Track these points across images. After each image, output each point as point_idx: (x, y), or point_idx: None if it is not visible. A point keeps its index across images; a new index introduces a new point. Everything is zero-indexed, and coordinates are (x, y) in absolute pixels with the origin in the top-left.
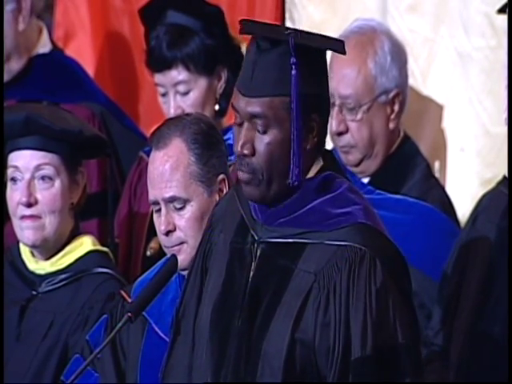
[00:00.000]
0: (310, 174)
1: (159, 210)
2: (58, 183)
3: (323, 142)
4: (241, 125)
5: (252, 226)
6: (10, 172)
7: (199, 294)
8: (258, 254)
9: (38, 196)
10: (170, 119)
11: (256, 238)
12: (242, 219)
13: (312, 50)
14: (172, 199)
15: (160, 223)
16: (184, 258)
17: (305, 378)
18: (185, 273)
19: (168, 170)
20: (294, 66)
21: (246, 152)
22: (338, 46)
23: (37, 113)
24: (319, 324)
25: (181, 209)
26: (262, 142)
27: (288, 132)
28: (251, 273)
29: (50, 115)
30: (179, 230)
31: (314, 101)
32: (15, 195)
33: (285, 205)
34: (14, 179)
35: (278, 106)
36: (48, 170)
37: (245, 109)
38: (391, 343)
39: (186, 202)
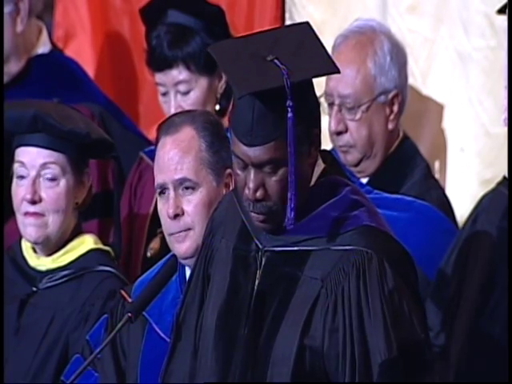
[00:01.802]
0: (314, 179)
1: (164, 194)
2: (63, 183)
3: (320, 146)
4: (244, 168)
5: (256, 234)
6: (16, 167)
7: (201, 300)
8: (263, 262)
9: (43, 194)
10: (178, 112)
11: (260, 246)
12: (244, 225)
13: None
14: (182, 180)
15: (168, 206)
16: (190, 245)
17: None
18: (187, 261)
19: (179, 153)
20: (290, 109)
21: (259, 197)
22: (332, 68)
23: (45, 111)
24: (327, 330)
25: (190, 193)
26: (273, 182)
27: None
28: (257, 281)
29: (59, 114)
30: (187, 214)
31: (311, 118)
32: (20, 191)
33: None
34: (19, 175)
35: (284, 145)
36: (54, 170)
37: (251, 158)
38: (413, 341)
39: (195, 185)
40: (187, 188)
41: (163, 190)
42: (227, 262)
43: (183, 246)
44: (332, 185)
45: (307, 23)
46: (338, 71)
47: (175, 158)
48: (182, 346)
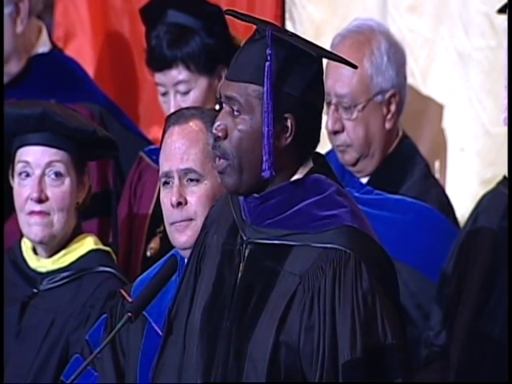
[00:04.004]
0: (298, 176)
1: (168, 184)
2: (67, 181)
3: (305, 144)
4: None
5: (241, 226)
6: (19, 167)
7: (192, 295)
8: (246, 254)
9: (48, 193)
10: (187, 107)
11: (244, 238)
12: (234, 221)
13: (299, 52)
14: (188, 171)
15: (172, 194)
16: (191, 235)
17: (289, 380)
18: (186, 253)
19: (187, 142)
20: (269, 57)
21: (219, 134)
22: (314, 49)
23: (52, 110)
24: (304, 327)
25: (195, 184)
26: (235, 127)
27: (259, 123)
28: (239, 274)
29: (64, 113)
30: (190, 204)
31: (288, 100)
32: (24, 190)
33: (272, 206)
34: (23, 174)
35: (251, 94)
36: (59, 168)
37: (223, 91)
38: (380, 345)
39: (200, 177)
40: (192, 180)
41: (167, 179)
42: (216, 257)
43: (184, 236)
44: (317, 183)
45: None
46: (319, 57)
47: (182, 147)
48: (173, 340)
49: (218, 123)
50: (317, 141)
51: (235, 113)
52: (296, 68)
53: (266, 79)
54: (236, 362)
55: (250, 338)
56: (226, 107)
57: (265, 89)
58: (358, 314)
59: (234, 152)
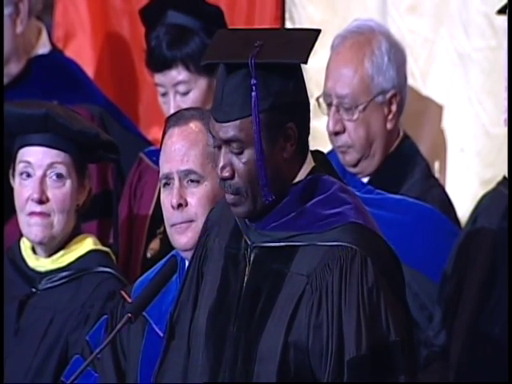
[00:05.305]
0: (300, 177)
1: (168, 185)
2: (68, 183)
3: (305, 145)
4: (219, 148)
5: (245, 231)
6: (20, 167)
7: (195, 299)
8: (252, 258)
9: (49, 194)
10: (187, 108)
11: (249, 243)
12: (236, 224)
13: (280, 62)
14: (188, 172)
15: (172, 196)
16: (191, 236)
17: (299, 380)
18: (187, 254)
19: (187, 144)
20: (254, 87)
21: (226, 175)
22: (300, 57)
23: (55, 111)
24: (312, 326)
25: (195, 185)
26: (240, 162)
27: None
28: (245, 278)
29: (68, 115)
30: (190, 206)
31: (287, 110)
32: (25, 191)
33: (276, 209)
34: (24, 175)
35: (249, 127)
36: (60, 170)
37: (219, 134)
38: (385, 341)
39: (201, 178)
40: (192, 181)
41: (168, 180)
42: (219, 261)
43: (184, 238)
44: (320, 182)
45: (319, 30)
46: (305, 62)
47: (182, 149)
48: (175, 345)
49: (221, 165)
50: (308, 137)
51: (236, 150)
52: (283, 76)
53: (253, 111)
54: (244, 366)
55: (259, 341)
56: (224, 148)
57: (254, 122)
58: (363, 311)
59: (246, 185)
